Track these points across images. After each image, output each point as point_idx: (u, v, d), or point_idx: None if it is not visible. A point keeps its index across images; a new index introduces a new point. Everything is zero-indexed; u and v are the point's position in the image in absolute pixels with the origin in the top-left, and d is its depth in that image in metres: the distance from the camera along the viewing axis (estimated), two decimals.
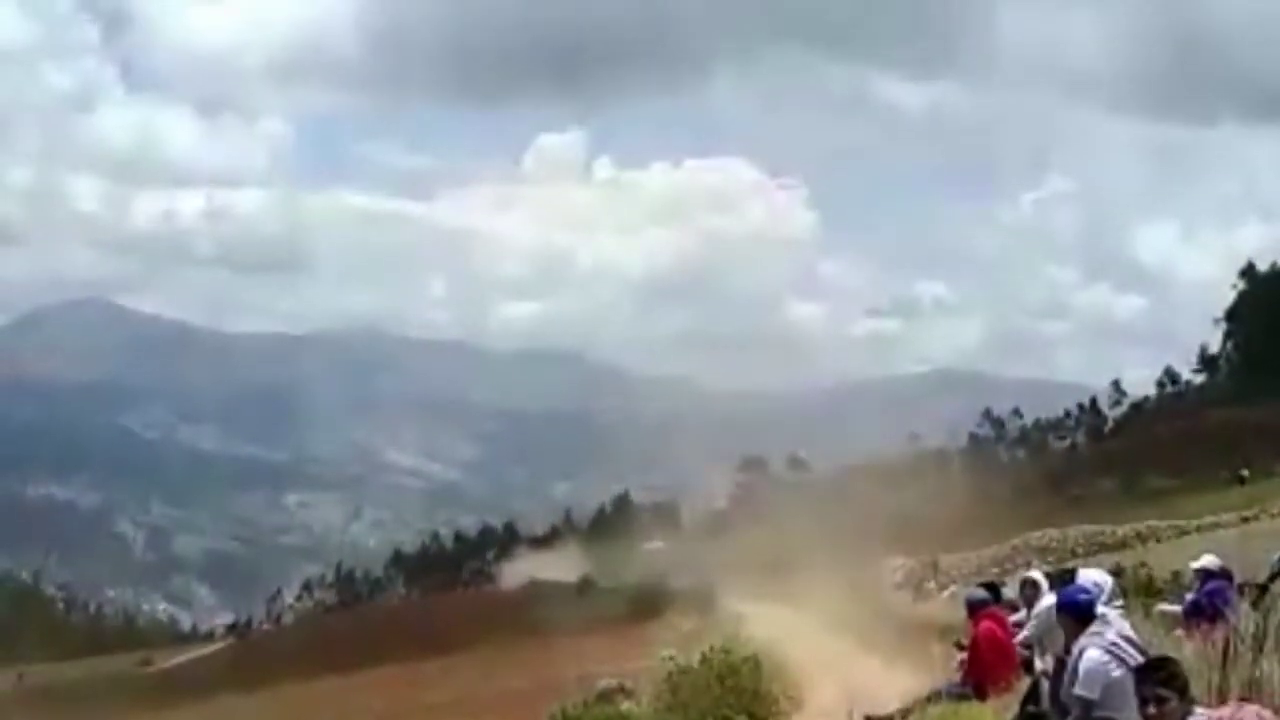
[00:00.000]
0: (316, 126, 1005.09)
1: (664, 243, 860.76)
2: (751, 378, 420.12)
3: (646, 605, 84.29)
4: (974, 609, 20.27)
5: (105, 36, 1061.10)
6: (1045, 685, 15.29)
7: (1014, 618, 19.98)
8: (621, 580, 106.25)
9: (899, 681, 28.88)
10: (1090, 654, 12.40)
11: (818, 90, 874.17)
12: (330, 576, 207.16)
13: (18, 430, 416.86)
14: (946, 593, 57.57)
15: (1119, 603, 14.40)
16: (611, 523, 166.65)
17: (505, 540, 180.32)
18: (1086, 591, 13.49)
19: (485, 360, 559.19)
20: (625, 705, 36.95)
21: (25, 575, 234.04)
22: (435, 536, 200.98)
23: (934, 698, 20.67)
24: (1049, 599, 16.92)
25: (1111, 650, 12.32)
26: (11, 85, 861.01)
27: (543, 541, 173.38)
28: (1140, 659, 11.92)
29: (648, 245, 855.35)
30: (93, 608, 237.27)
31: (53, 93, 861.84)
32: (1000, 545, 73.46)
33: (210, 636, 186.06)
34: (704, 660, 35.15)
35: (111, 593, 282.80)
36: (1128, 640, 12.57)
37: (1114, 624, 12.85)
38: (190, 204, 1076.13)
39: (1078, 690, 12.39)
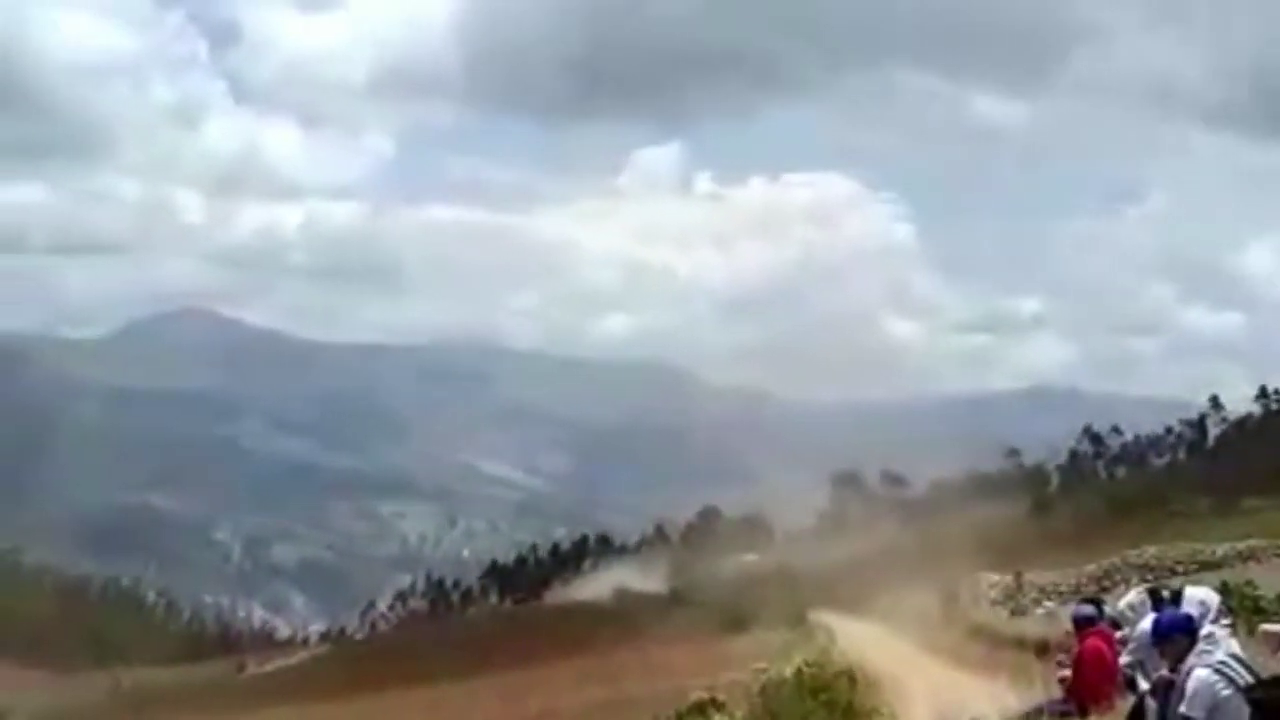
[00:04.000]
0: (416, 140, 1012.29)
1: (760, 256, 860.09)
2: (847, 392, 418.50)
3: (737, 618, 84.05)
4: (1080, 625, 19.93)
5: (212, 50, 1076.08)
6: (1151, 705, 14.93)
7: (1117, 635, 19.61)
8: (712, 592, 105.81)
9: (995, 698, 28.47)
10: (1198, 673, 12.08)
11: (916, 106, 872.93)
12: (422, 586, 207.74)
13: (119, 439, 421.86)
14: (1042, 609, 56.86)
15: (1226, 621, 14.05)
16: (702, 535, 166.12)
17: (597, 551, 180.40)
18: (1189, 613, 13.18)
19: (579, 372, 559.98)
20: (717, 718, 36.76)
21: (125, 582, 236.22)
22: (532, 548, 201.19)
23: (1033, 714, 20.34)
24: (1151, 618, 16.55)
25: (1220, 670, 12.00)
26: (120, 99, 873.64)
27: (633, 553, 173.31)
28: (1250, 679, 11.63)
29: (744, 259, 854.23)
30: (190, 614, 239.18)
31: (160, 106, 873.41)
32: (1099, 562, 72.63)
33: (304, 644, 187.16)
34: (796, 674, 34.98)
35: (209, 599, 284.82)
36: (1237, 659, 12.24)
37: (1222, 643, 12.53)
38: (291, 216, 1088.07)
39: (1185, 710, 12.08)
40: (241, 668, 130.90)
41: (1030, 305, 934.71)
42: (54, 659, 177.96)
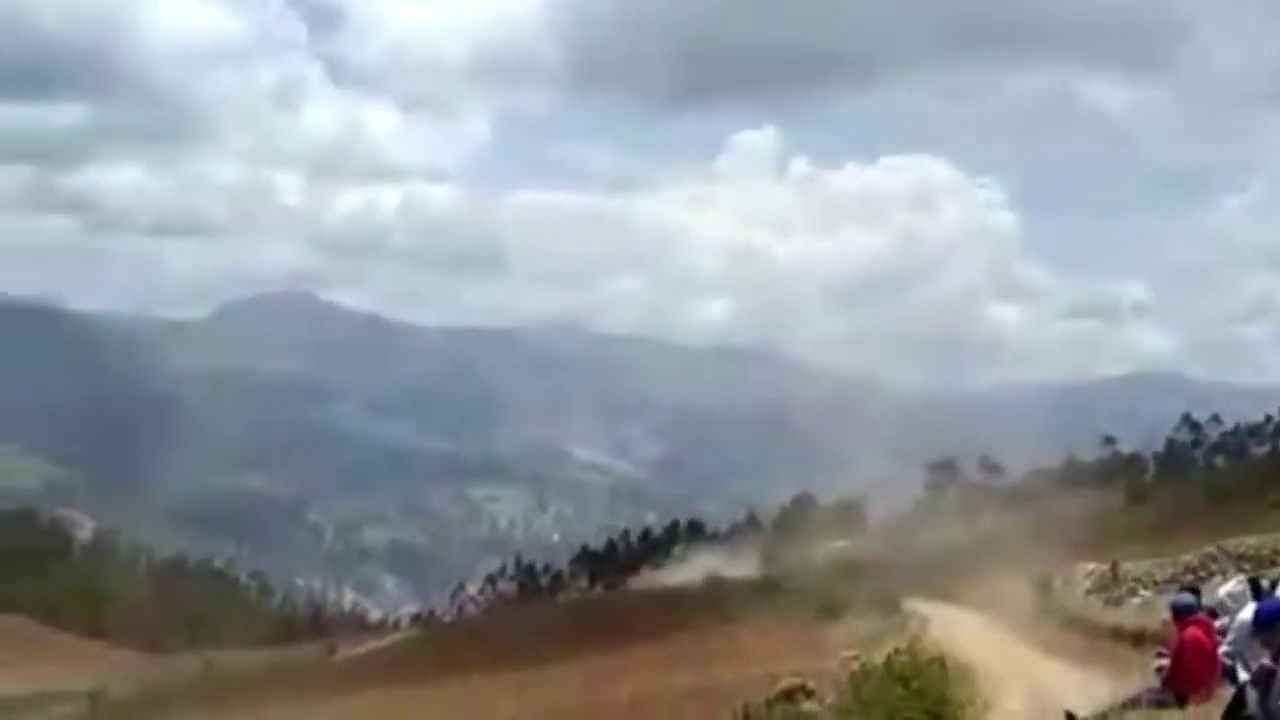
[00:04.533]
0: (514, 124, 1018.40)
1: (858, 241, 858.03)
2: (944, 378, 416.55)
3: (829, 605, 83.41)
4: (1180, 614, 19.41)
5: (313, 34, 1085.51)
6: (1252, 694, 14.39)
7: (1216, 624, 19.11)
8: (804, 579, 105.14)
9: (1090, 687, 27.88)
10: None
11: (1019, 90, 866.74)
12: (512, 570, 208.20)
13: (215, 422, 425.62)
14: (1138, 599, 55.95)
15: None
16: (795, 521, 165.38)
17: (688, 537, 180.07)
18: None
19: (675, 357, 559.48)
20: (806, 705, 36.48)
21: (219, 563, 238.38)
22: (623, 533, 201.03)
23: (1131, 704, 19.82)
24: (1251, 607, 16.08)
25: None
26: (221, 82, 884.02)
27: (725, 539, 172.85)
28: None
29: (842, 243, 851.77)
30: (282, 596, 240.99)
31: (261, 90, 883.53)
32: (1196, 551, 71.42)
33: (395, 627, 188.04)
34: (888, 662, 34.67)
35: (301, 581, 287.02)
36: None
37: None
38: (389, 199, 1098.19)
39: None
40: (332, 650, 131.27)
41: (1133, 291, 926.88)
42: (148, 639, 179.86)
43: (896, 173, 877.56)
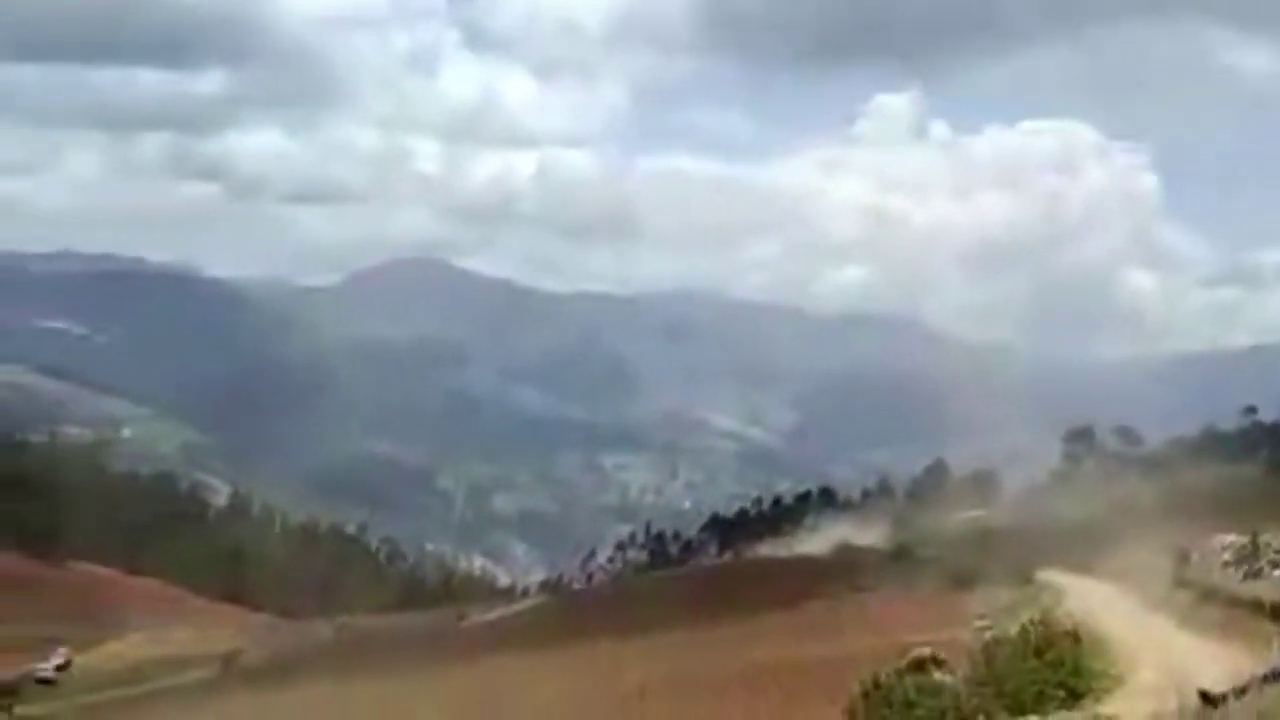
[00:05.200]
0: (651, 89, 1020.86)
1: (996, 206, 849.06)
2: (1083, 346, 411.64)
3: (962, 575, 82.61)
4: None
5: (451, 1, 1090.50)
6: None
7: None
8: (936, 548, 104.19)
9: (1228, 661, 27.17)
10: None
11: (1164, 54, 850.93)
12: (642, 537, 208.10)
13: (348, 387, 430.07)
14: (1279, 572, 54.69)
15: None
16: (928, 490, 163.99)
17: (819, 505, 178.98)
18: None
19: (809, 324, 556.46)
20: (938, 675, 35.90)
21: (351, 529, 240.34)
22: (754, 501, 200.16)
23: (1272, 678, 19.18)
24: None
25: None
26: (360, 49, 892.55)
27: (857, 507, 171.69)
28: None
29: (981, 209, 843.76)
30: (412, 562, 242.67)
31: (398, 56, 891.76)
32: None
33: (524, 593, 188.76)
34: (1021, 632, 34.30)
35: (431, 548, 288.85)
36: None
37: None
38: (524, 166, 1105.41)
39: None
40: (462, 617, 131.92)
41: (1276, 259, 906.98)
42: (280, 604, 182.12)
43: (1037, 137, 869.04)
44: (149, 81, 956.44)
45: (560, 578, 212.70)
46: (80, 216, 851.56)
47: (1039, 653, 32.31)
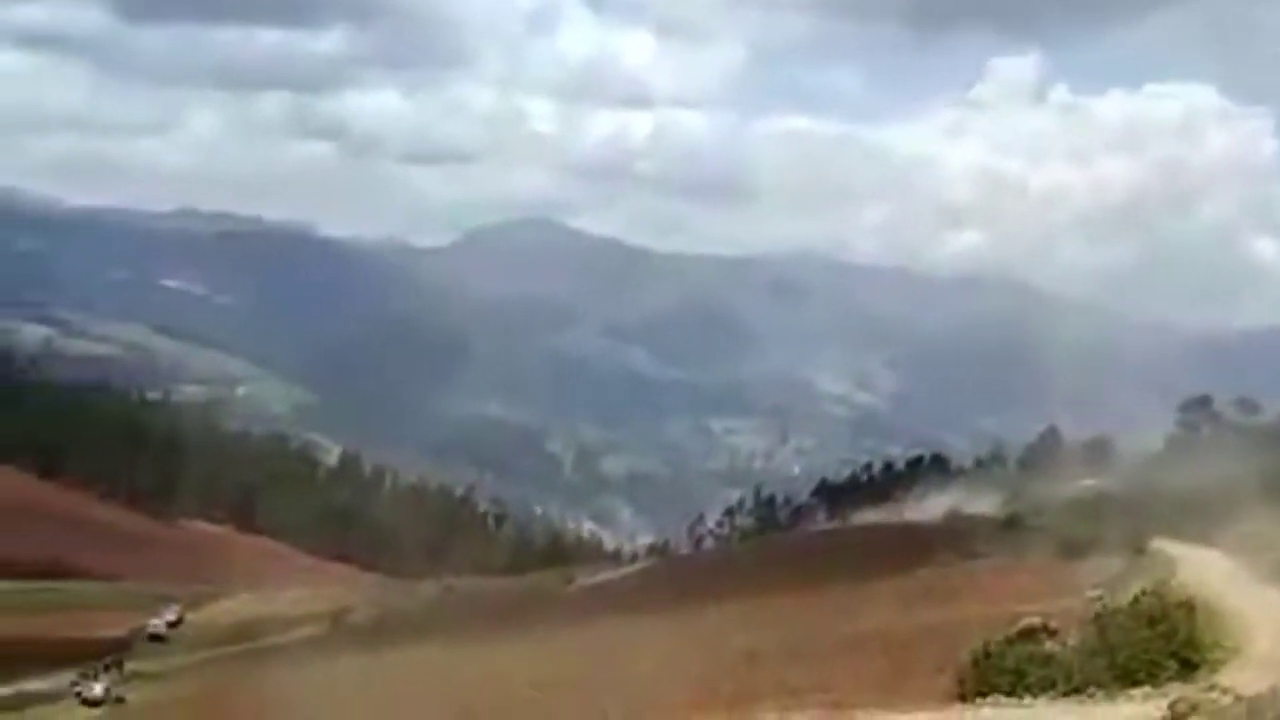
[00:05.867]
0: (769, 49, 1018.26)
1: (1118, 171, 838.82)
2: (1201, 313, 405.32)
3: (1074, 544, 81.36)
4: None
5: None
6: None
7: None
8: (1049, 517, 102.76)
9: None
10: None
11: None
12: (751, 502, 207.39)
13: (458, 348, 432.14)
14: None
15: None
16: (1041, 457, 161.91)
17: (931, 471, 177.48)
18: None
19: (922, 288, 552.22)
20: (1048, 645, 35.26)
21: (459, 490, 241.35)
22: (865, 466, 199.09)
23: None
24: None
25: None
26: (478, 8, 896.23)
27: (969, 474, 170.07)
28: None
29: (1100, 173, 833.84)
30: (520, 524, 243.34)
31: (516, 15, 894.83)
32: None
33: (632, 558, 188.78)
34: (1134, 602, 33.78)
35: (539, 510, 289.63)
36: None
37: None
38: (640, 126, 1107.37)
39: None
40: (570, 580, 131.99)
41: None
42: (389, 564, 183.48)
43: (1161, 101, 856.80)
44: (269, 41, 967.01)
45: (667, 542, 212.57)
46: (200, 175, 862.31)
47: (1152, 623, 31.86)
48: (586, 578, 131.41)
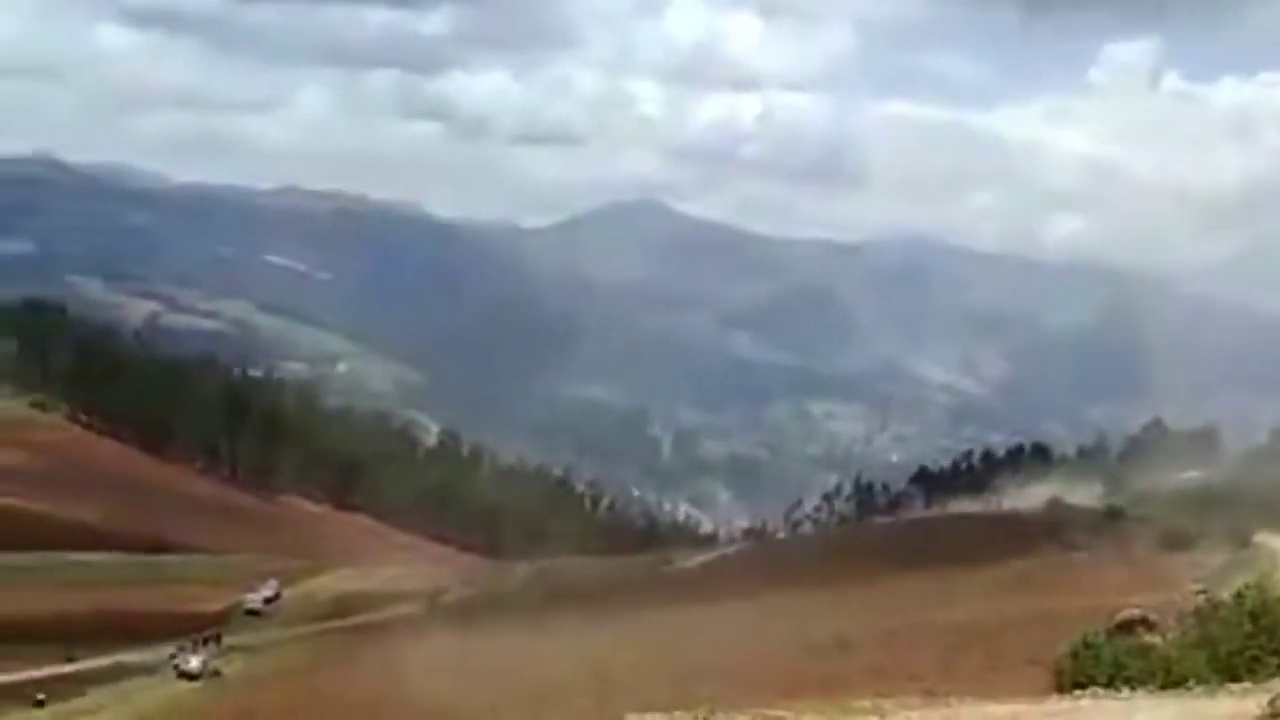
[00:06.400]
0: (878, 32, 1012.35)
1: (1230, 159, 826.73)
2: None
3: (1176, 537, 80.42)
4: None
5: None
6: None
7: None
8: (1151, 508, 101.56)
9: None
10: None
11: None
12: (850, 488, 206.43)
13: (562, 330, 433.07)
14: None
15: None
16: (1145, 448, 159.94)
17: (1031, 460, 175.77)
18: None
19: (1030, 275, 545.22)
20: (1147, 638, 34.63)
21: (558, 471, 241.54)
22: (964, 454, 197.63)
23: None
24: None
25: None
26: None
27: (1071, 463, 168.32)
28: None
29: (1213, 161, 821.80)
30: (617, 506, 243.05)
31: None
32: None
33: (729, 541, 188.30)
34: (1236, 597, 32.93)
35: (637, 492, 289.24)
36: None
37: None
38: (747, 109, 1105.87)
39: None
40: (665, 562, 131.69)
41: None
42: (486, 543, 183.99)
43: (1275, 89, 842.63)
44: (378, 20, 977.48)
45: (764, 526, 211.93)
46: (306, 153, 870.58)
47: (1254, 618, 31.00)
48: (682, 560, 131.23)
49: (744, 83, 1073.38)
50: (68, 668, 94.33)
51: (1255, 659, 29.45)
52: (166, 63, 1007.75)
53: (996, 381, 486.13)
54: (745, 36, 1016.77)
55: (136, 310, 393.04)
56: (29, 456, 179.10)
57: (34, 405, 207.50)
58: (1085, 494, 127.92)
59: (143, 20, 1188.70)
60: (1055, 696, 31.37)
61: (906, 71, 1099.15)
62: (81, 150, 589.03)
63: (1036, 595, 66.79)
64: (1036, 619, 55.49)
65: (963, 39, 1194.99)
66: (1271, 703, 23.21)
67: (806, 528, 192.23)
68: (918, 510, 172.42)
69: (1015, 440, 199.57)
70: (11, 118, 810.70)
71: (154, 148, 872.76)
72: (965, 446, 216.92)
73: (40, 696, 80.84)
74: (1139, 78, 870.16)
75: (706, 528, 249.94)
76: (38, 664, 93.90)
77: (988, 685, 36.02)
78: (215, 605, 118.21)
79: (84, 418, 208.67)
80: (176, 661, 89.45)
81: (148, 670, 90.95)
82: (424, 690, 61.38)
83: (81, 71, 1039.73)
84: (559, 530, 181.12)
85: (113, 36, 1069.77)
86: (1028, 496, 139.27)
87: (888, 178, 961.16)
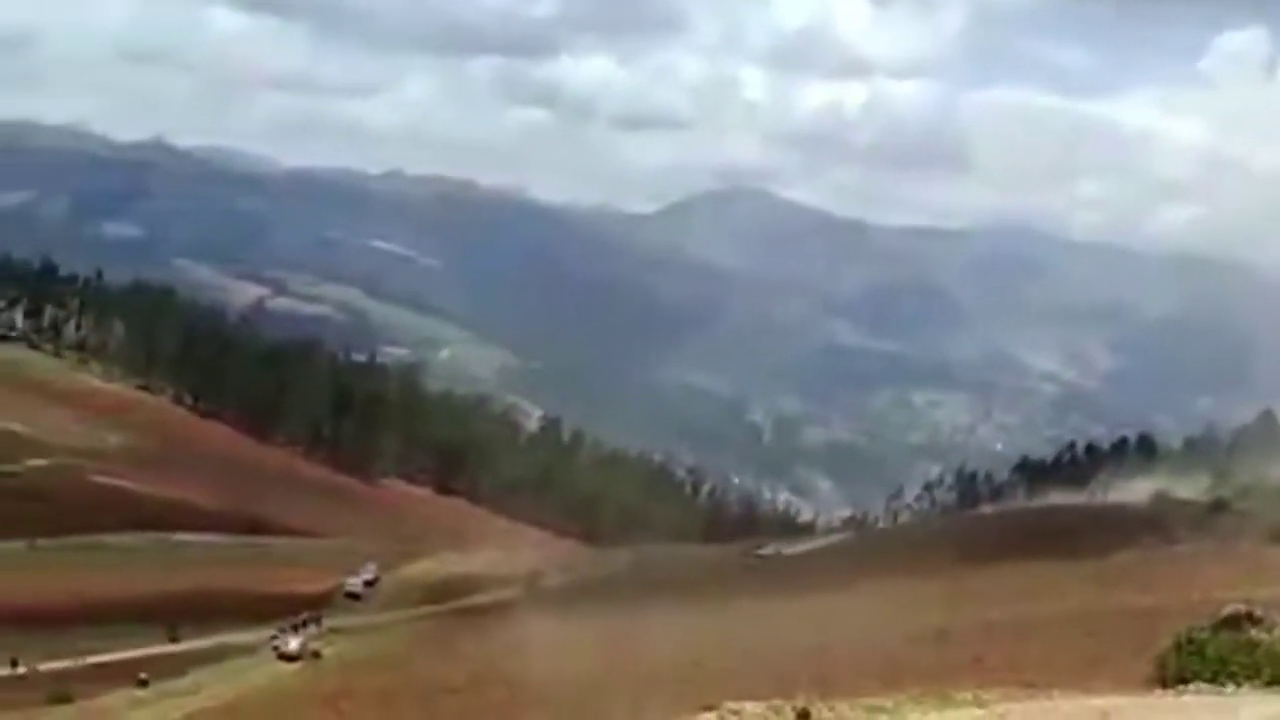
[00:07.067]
0: (990, 18, 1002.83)
1: None
2: None
3: None
4: None
5: None
6: None
7: None
8: (1258, 502, 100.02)
9: None
10: None
11: None
12: (951, 478, 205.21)
13: (663, 316, 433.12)
14: None
15: None
16: (1254, 441, 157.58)
17: (1137, 453, 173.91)
18: None
19: (1138, 265, 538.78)
20: (1253, 633, 33.88)
21: (657, 457, 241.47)
22: (1068, 445, 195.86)
23: None
24: None
25: None
26: None
27: (1177, 456, 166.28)
28: None
29: None
30: (717, 493, 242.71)
31: None
32: None
33: (829, 530, 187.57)
34: None
35: (736, 480, 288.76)
36: None
37: None
38: (854, 96, 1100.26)
39: None
40: (764, 550, 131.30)
41: None
42: (584, 529, 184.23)
43: None
44: (485, 5, 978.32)
45: (865, 515, 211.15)
46: (413, 138, 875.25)
47: None
48: (781, 548, 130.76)
49: (851, 69, 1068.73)
50: (171, 647, 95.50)
51: None
52: (276, 47, 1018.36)
53: (1104, 372, 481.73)
54: (853, 22, 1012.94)
55: (243, 294, 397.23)
56: (136, 438, 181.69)
57: (141, 388, 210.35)
58: (1191, 487, 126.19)
59: (253, 5, 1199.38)
60: (1158, 691, 30.87)
61: (1016, 58, 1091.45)
62: (192, 134, 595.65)
63: (1139, 589, 65.90)
64: (1139, 613, 54.69)
65: (1072, 27, 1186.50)
66: None
67: (907, 517, 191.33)
68: (1020, 501, 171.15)
69: (1120, 432, 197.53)
70: (125, 103, 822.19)
71: (263, 132, 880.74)
72: (1069, 437, 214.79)
73: (143, 676, 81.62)
74: (1250, 67, 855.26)
75: (806, 516, 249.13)
76: (142, 643, 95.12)
77: (1089, 679, 35.49)
78: (316, 588, 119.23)
79: (190, 400, 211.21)
80: (276, 643, 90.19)
81: (249, 650, 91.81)
82: (521, 674, 61.46)
83: (193, 56, 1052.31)
84: (658, 517, 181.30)
85: (224, 21, 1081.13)
86: (1132, 489, 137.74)
87: (994, 165, 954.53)
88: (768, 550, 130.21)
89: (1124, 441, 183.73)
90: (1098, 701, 27.39)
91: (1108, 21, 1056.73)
